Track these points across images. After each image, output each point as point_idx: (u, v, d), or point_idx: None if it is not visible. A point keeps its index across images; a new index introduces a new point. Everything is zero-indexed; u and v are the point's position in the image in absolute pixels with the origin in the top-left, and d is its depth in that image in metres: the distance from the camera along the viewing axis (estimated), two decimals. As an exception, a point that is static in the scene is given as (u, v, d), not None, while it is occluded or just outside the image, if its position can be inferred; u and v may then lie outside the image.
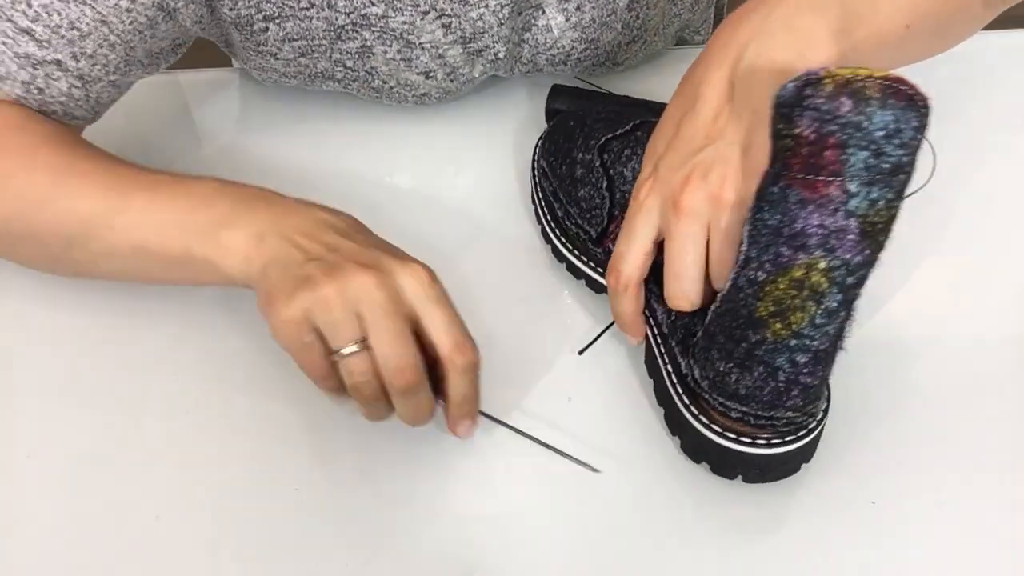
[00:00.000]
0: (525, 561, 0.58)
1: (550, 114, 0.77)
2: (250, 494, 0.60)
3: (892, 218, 0.50)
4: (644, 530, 0.59)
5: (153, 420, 0.64)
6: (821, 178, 0.49)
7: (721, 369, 0.56)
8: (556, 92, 0.77)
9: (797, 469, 0.59)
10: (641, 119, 0.67)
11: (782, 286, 0.51)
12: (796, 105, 0.48)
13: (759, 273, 0.52)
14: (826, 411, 0.58)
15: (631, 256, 0.58)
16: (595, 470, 0.60)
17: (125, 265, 0.63)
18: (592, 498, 0.60)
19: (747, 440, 0.57)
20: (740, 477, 0.59)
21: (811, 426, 0.57)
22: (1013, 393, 0.64)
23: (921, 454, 0.62)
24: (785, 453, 0.57)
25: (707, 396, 0.57)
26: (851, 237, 0.50)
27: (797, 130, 0.48)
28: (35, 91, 0.63)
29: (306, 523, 0.59)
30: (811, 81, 0.48)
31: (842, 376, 0.60)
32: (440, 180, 0.76)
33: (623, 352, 0.66)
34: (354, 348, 0.55)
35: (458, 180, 0.76)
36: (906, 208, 0.74)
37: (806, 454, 0.59)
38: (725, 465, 0.59)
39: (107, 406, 0.64)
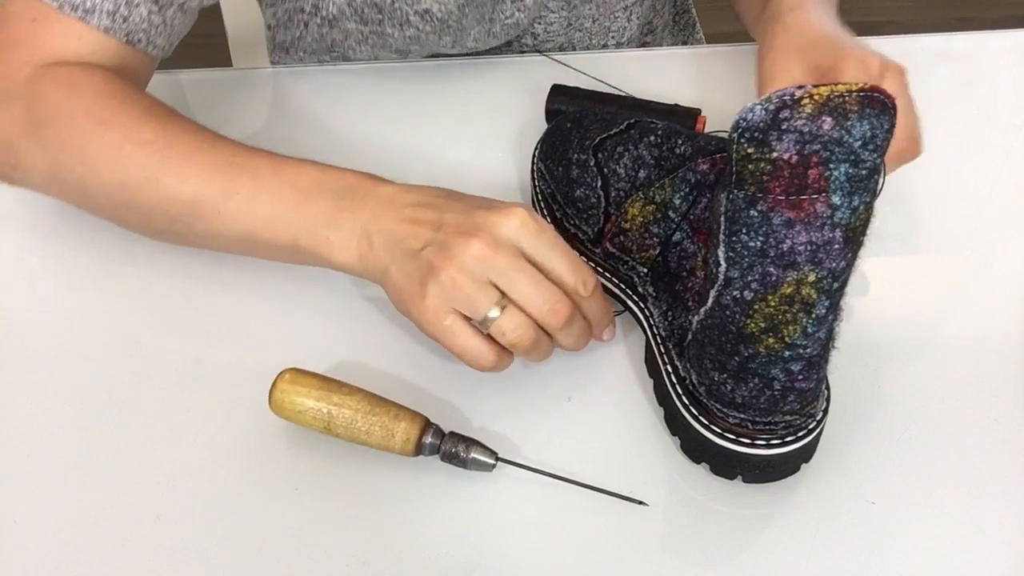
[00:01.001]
0: (523, 561, 0.58)
1: (550, 115, 0.77)
2: (250, 494, 0.60)
3: (869, 219, 0.51)
4: (643, 530, 0.59)
5: (153, 420, 0.64)
6: (806, 196, 0.49)
7: (716, 379, 0.56)
8: (556, 92, 0.77)
9: (797, 469, 0.59)
10: (635, 119, 0.67)
11: (772, 303, 0.52)
12: (772, 129, 0.48)
13: (745, 292, 0.52)
14: (826, 411, 0.59)
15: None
16: (642, 503, 0.59)
17: (230, 245, 0.66)
18: (590, 499, 0.60)
19: (747, 441, 0.57)
20: (740, 477, 0.59)
21: (810, 427, 0.57)
22: (1013, 393, 0.64)
23: (921, 454, 0.62)
24: (785, 454, 0.57)
25: (704, 400, 0.58)
26: (837, 246, 0.50)
27: (775, 154, 0.48)
28: (120, 20, 0.66)
29: (306, 524, 0.59)
30: (787, 103, 0.48)
31: (843, 377, 0.60)
32: (441, 183, 0.76)
33: (623, 352, 0.66)
34: (497, 311, 0.57)
35: (459, 183, 0.76)
36: (906, 207, 0.74)
37: (806, 454, 0.59)
38: (725, 465, 0.59)
39: (107, 406, 0.64)
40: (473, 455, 0.59)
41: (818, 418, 0.58)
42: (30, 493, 0.61)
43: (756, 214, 0.50)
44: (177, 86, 0.84)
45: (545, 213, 0.69)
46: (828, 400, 0.59)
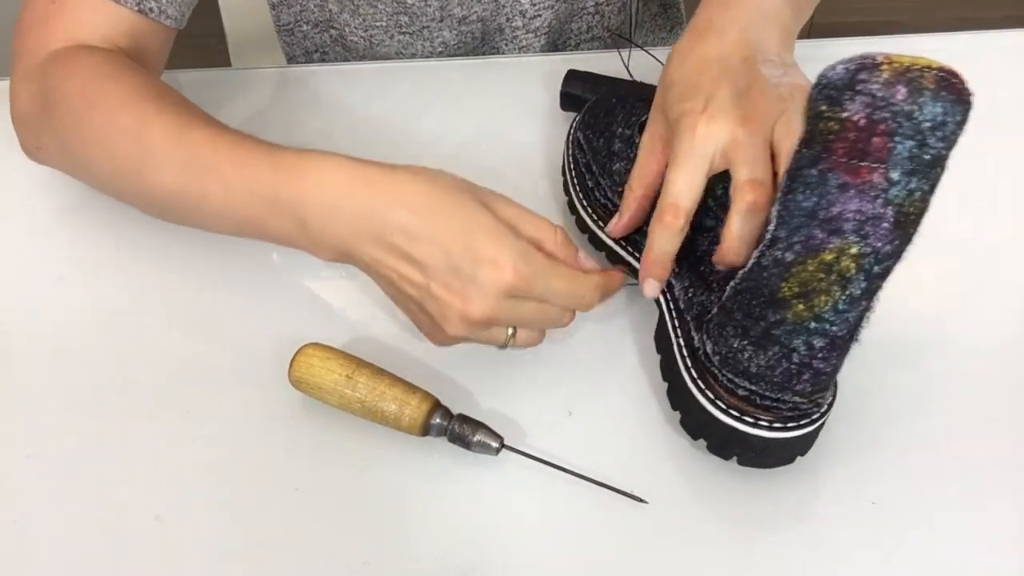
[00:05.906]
0: (523, 560, 0.58)
1: (564, 98, 0.79)
2: (250, 494, 0.60)
3: (924, 211, 0.50)
4: (640, 527, 0.59)
5: (153, 420, 0.64)
6: (865, 164, 0.49)
7: (735, 346, 0.56)
8: (571, 77, 0.79)
9: (792, 460, 0.59)
10: None
11: (810, 268, 0.51)
12: (847, 89, 0.48)
13: (787, 254, 0.52)
14: (830, 405, 0.58)
15: (691, 188, 0.58)
16: (642, 500, 0.59)
17: (229, 233, 0.64)
18: (589, 492, 0.60)
19: (749, 420, 0.57)
20: (736, 458, 0.59)
21: (814, 416, 0.57)
22: (1013, 394, 0.64)
23: (922, 455, 0.62)
24: (784, 439, 0.57)
25: (716, 371, 0.57)
26: (885, 225, 0.50)
27: (846, 114, 0.48)
28: None
29: (306, 523, 0.59)
30: (866, 66, 0.47)
31: (846, 375, 0.60)
32: (456, 164, 0.76)
33: (625, 349, 0.66)
34: (508, 333, 0.60)
35: (473, 164, 0.76)
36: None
37: (804, 445, 0.59)
38: (723, 444, 0.59)
39: (107, 406, 0.64)
40: (479, 438, 0.60)
41: (822, 410, 0.58)
42: (30, 493, 0.61)
43: (815, 172, 0.50)
44: (176, 86, 0.83)
45: (576, 182, 0.70)
46: (834, 396, 0.59)
